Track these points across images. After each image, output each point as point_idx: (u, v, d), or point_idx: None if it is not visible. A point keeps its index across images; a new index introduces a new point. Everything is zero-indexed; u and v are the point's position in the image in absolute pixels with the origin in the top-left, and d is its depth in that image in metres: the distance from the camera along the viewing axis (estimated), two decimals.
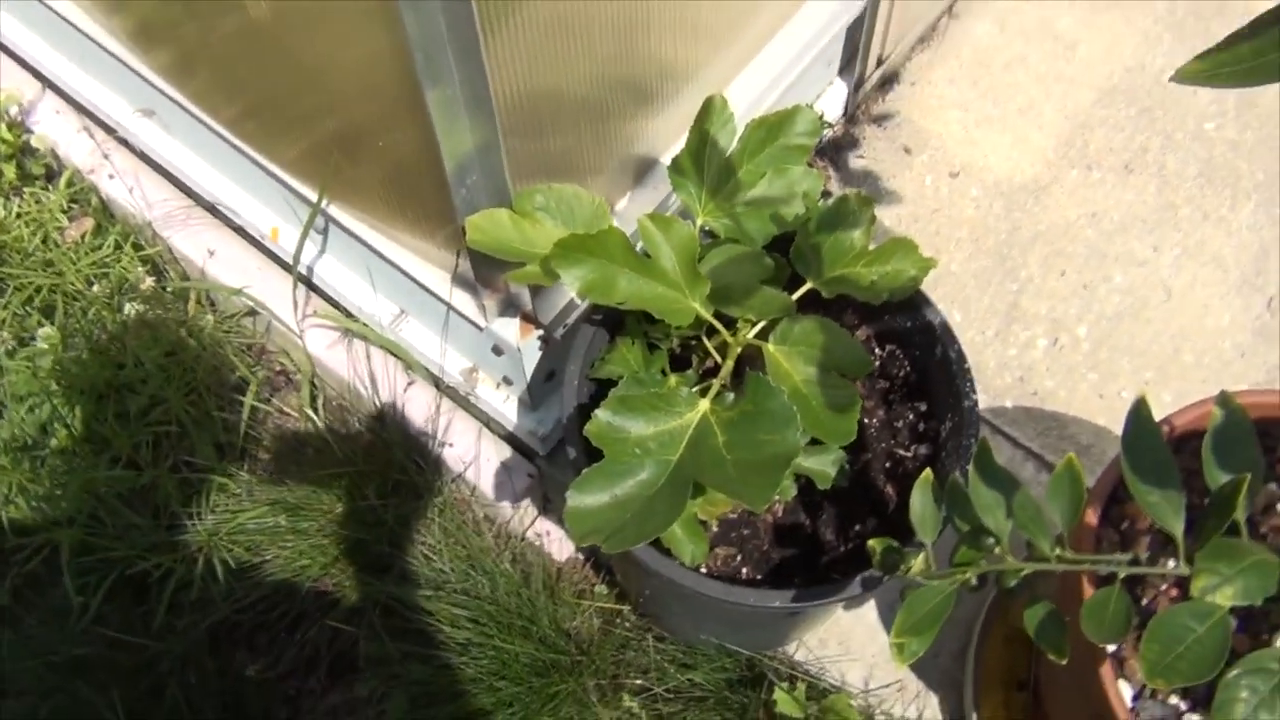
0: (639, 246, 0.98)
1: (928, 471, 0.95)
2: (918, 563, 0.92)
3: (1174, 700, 1.00)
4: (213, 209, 1.61)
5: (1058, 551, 0.89)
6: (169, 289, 1.67)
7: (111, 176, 1.69)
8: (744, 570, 1.16)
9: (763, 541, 1.17)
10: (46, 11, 1.54)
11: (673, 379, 1.08)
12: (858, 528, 1.16)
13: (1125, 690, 0.99)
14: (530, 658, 1.38)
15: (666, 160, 1.33)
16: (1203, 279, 1.60)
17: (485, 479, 1.47)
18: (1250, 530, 0.87)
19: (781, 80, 1.47)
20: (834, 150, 1.73)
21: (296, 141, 1.32)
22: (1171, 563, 0.95)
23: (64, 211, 1.71)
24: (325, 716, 1.46)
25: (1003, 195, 1.68)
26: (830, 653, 1.38)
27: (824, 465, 1.08)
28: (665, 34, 1.19)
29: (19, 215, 1.70)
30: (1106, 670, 0.98)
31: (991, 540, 0.91)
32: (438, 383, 1.47)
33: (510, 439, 1.49)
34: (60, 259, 1.66)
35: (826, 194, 1.12)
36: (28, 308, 1.64)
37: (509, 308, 1.26)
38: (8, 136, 1.71)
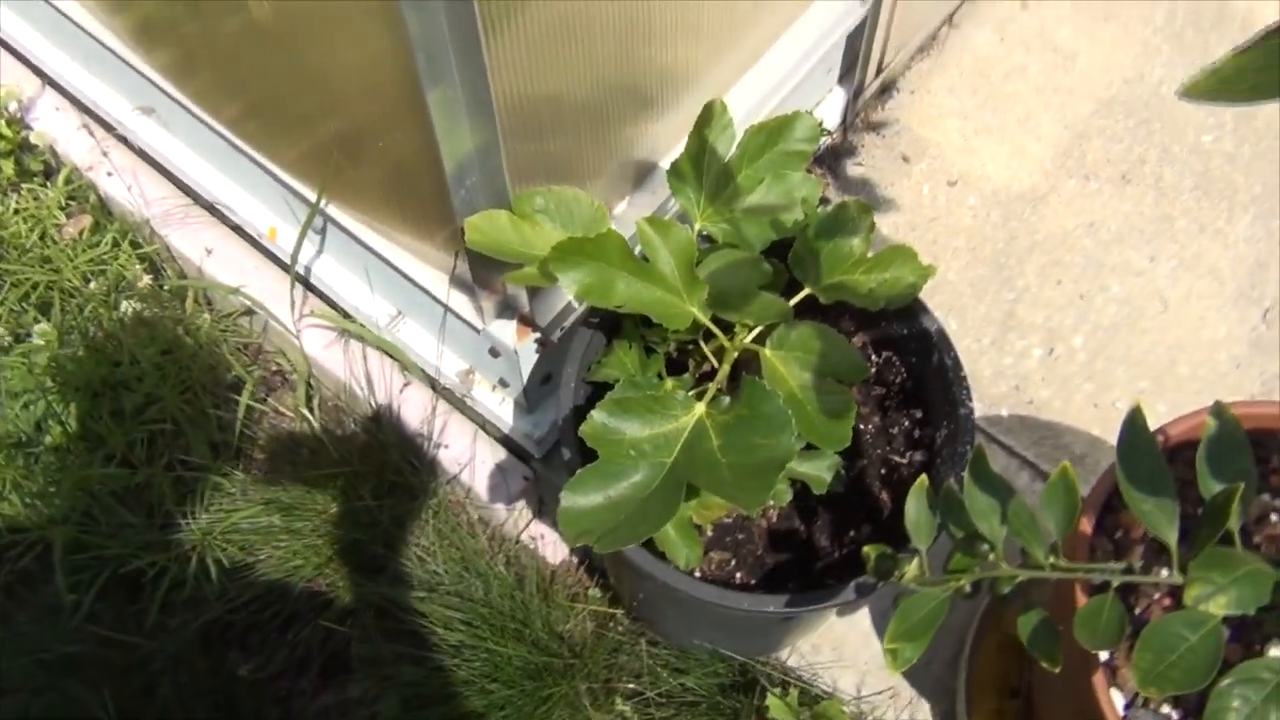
0: (637, 250, 0.98)
1: (923, 478, 0.95)
2: (912, 569, 0.93)
3: (1166, 709, 1.00)
4: (211, 208, 1.61)
5: (1052, 559, 0.89)
6: (166, 287, 1.67)
7: (110, 174, 1.69)
8: (738, 575, 1.16)
9: (757, 546, 1.17)
10: (48, 8, 1.54)
11: (669, 382, 1.08)
12: (852, 534, 1.16)
13: (1117, 699, 0.99)
14: (523, 661, 1.38)
15: (666, 164, 1.33)
16: (1199, 290, 1.60)
17: (480, 481, 1.47)
18: (1243, 540, 0.87)
19: (782, 87, 1.47)
20: (832, 158, 1.73)
21: (296, 141, 1.32)
22: (1165, 572, 0.95)
23: (62, 208, 1.71)
24: (317, 717, 1.46)
25: (1000, 204, 1.68)
26: (823, 659, 1.38)
27: (819, 470, 1.08)
28: (667, 38, 1.19)
29: (17, 211, 1.70)
30: (1099, 679, 0.98)
31: (986, 547, 0.91)
32: (434, 384, 1.47)
33: (506, 441, 1.49)
34: (57, 256, 1.66)
35: (825, 201, 1.12)
36: (24, 304, 1.64)
37: (506, 310, 1.26)
38: (7, 133, 1.71)
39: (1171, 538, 0.85)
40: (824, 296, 1.05)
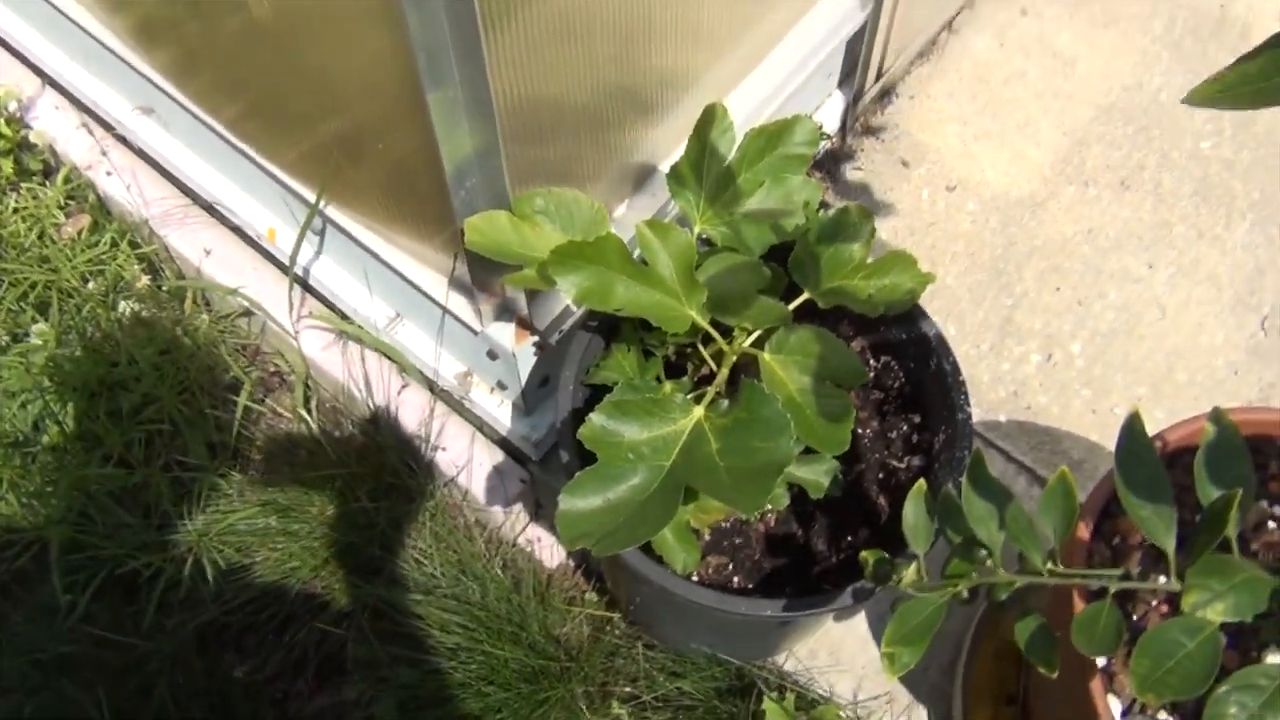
0: (636, 253, 0.98)
1: (921, 482, 0.95)
2: (910, 574, 0.92)
3: (1163, 715, 1.00)
4: (210, 208, 1.60)
5: (1049, 565, 0.89)
6: (164, 287, 1.66)
7: (109, 173, 1.69)
8: (735, 579, 1.15)
9: (754, 551, 1.17)
10: (47, 7, 1.54)
11: (667, 386, 1.08)
12: (850, 538, 1.16)
13: (1115, 705, 0.99)
14: (519, 664, 1.37)
15: (665, 168, 1.34)
16: (1197, 297, 1.60)
17: (477, 484, 1.47)
18: (1241, 547, 0.87)
19: (781, 91, 1.48)
20: (831, 162, 1.73)
21: (296, 142, 1.32)
22: (1162, 578, 0.95)
23: (61, 208, 1.71)
24: (313, 719, 1.45)
25: (999, 210, 1.69)
26: (820, 663, 1.38)
27: (817, 475, 1.08)
28: (667, 41, 1.19)
29: (16, 210, 1.70)
30: (1096, 685, 0.98)
31: (984, 553, 0.91)
32: (432, 386, 1.47)
33: (503, 444, 1.49)
34: (56, 255, 1.66)
35: (824, 205, 1.12)
36: (22, 303, 1.63)
37: (505, 312, 1.25)
38: (6, 132, 1.71)
39: (1169, 544, 0.85)
40: (823, 301, 1.05)
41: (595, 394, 1.16)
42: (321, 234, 1.43)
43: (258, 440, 1.58)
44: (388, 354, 1.47)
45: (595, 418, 0.91)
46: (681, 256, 0.98)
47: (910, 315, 1.18)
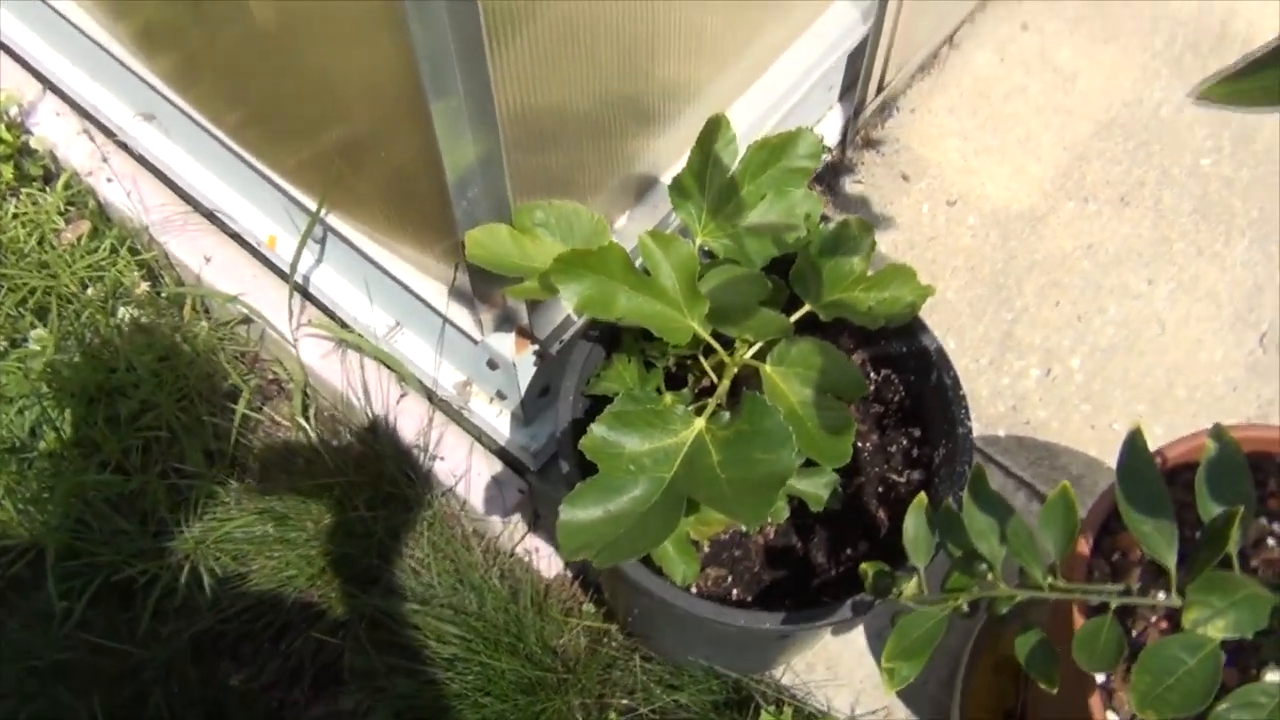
0: (638, 264, 0.98)
1: (922, 495, 0.95)
2: (910, 587, 0.92)
3: None
4: (211, 215, 1.60)
5: (1050, 580, 0.89)
6: (164, 294, 1.66)
7: (110, 180, 1.69)
8: (735, 591, 1.15)
9: (754, 563, 1.17)
10: (50, 13, 1.54)
11: (668, 397, 1.08)
12: (849, 551, 1.16)
13: None
14: (516, 675, 1.37)
15: (666, 179, 1.33)
16: (1196, 313, 1.60)
17: (476, 494, 1.47)
18: (1241, 564, 0.87)
19: (783, 103, 1.48)
20: (831, 175, 1.74)
21: (298, 149, 1.32)
22: (1161, 594, 0.95)
23: (61, 213, 1.71)
24: None
25: (999, 225, 1.69)
26: (817, 677, 1.37)
27: (817, 487, 1.08)
28: (671, 53, 1.19)
29: (15, 216, 1.70)
30: (1095, 701, 0.98)
31: (984, 567, 0.91)
32: (431, 396, 1.47)
33: (502, 454, 1.48)
34: (55, 261, 1.66)
35: (824, 219, 1.13)
36: (21, 309, 1.63)
37: (505, 322, 1.25)
38: (7, 137, 1.71)
39: (1170, 560, 0.85)
40: (824, 314, 1.05)
41: (595, 404, 1.16)
42: (322, 242, 1.43)
43: (255, 448, 1.58)
44: (387, 363, 1.47)
45: (596, 429, 0.91)
46: (684, 267, 0.98)
47: (910, 329, 1.18)
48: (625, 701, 1.39)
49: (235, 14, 1.14)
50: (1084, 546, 1.03)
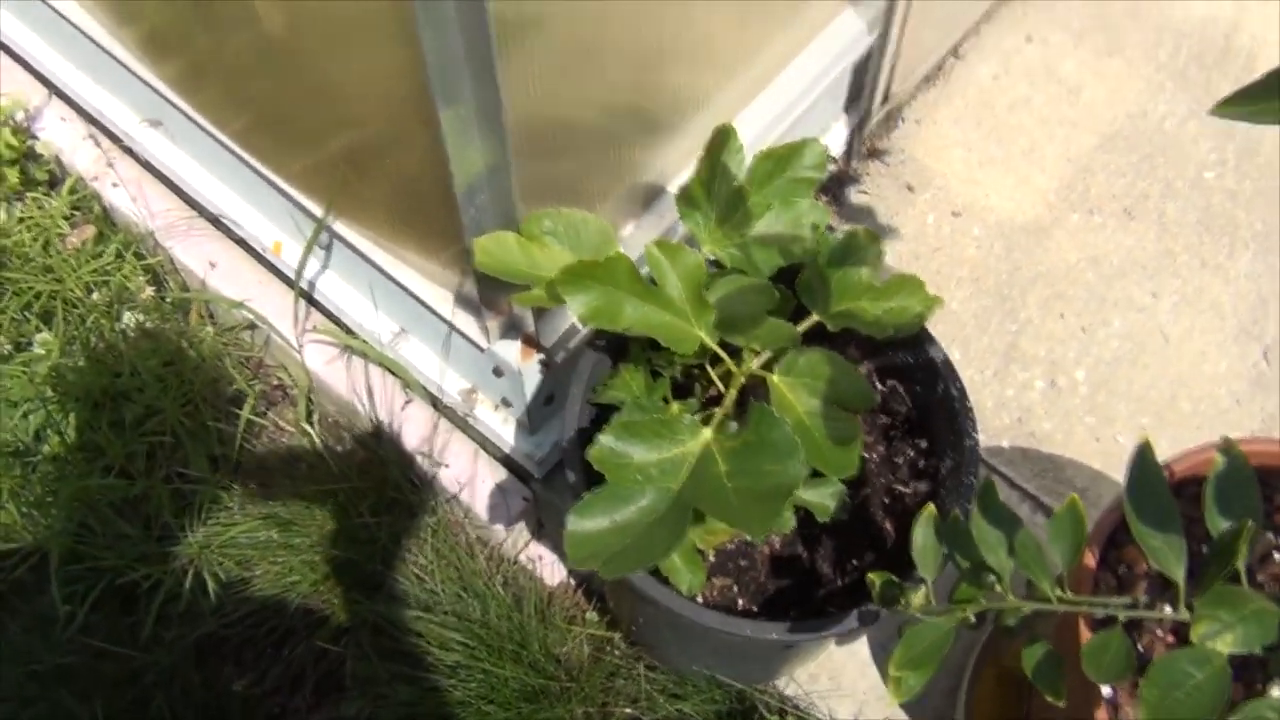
0: (644, 272, 0.98)
1: (930, 506, 0.95)
2: (918, 598, 0.92)
3: None
4: (216, 221, 1.60)
5: (1058, 593, 0.89)
6: (168, 299, 1.66)
7: (115, 185, 1.69)
8: (740, 601, 1.15)
9: (760, 573, 1.17)
10: (56, 18, 1.54)
11: (675, 406, 1.08)
12: (855, 562, 1.16)
13: None
14: (520, 683, 1.37)
15: (672, 188, 1.34)
16: (1200, 326, 1.61)
17: (480, 501, 1.47)
18: (1248, 578, 0.87)
19: (788, 114, 1.48)
20: (836, 185, 1.74)
21: (304, 156, 1.32)
22: (1168, 608, 0.95)
23: (66, 218, 1.71)
24: None
25: (1004, 236, 1.69)
26: (821, 688, 1.37)
27: (823, 498, 1.08)
28: (678, 63, 1.20)
29: (21, 220, 1.70)
30: (1101, 715, 0.98)
31: (992, 578, 0.91)
32: (436, 402, 1.47)
33: (506, 461, 1.48)
34: (60, 265, 1.66)
35: (830, 229, 1.13)
36: (26, 313, 1.63)
37: (511, 330, 1.25)
38: (13, 142, 1.71)
39: (1179, 574, 0.85)
40: (832, 324, 1.05)
41: (601, 413, 1.16)
42: (327, 248, 1.43)
43: (260, 453, 1.58)
44: (392, 369, 1.47)
45: (604, 438, 0.91)
46: (691, 277, 0.99)
47: (917, 340, 1.18)
48: (629, 710, 1.39)
49: (243, 20, 1.14)
50: (1090, 559, 1.03)
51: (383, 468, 1.48)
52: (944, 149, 1.77)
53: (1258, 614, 0.81)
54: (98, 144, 1.71)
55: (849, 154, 1.74)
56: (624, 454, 0.91)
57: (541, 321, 1.24)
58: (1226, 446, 0.90)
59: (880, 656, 1.39)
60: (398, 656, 1.42)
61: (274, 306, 1.57)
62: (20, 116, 1.74)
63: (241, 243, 1.60)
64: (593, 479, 0.92)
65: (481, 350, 1.28)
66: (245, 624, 1.48)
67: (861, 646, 1.40)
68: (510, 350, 1.25)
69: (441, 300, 1.29)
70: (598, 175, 1.22)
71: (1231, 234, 1.69)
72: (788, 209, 1.13)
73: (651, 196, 1.35)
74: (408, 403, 1.50)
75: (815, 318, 1.06)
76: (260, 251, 1.54)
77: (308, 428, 1.57)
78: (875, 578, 0.97)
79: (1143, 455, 0.88)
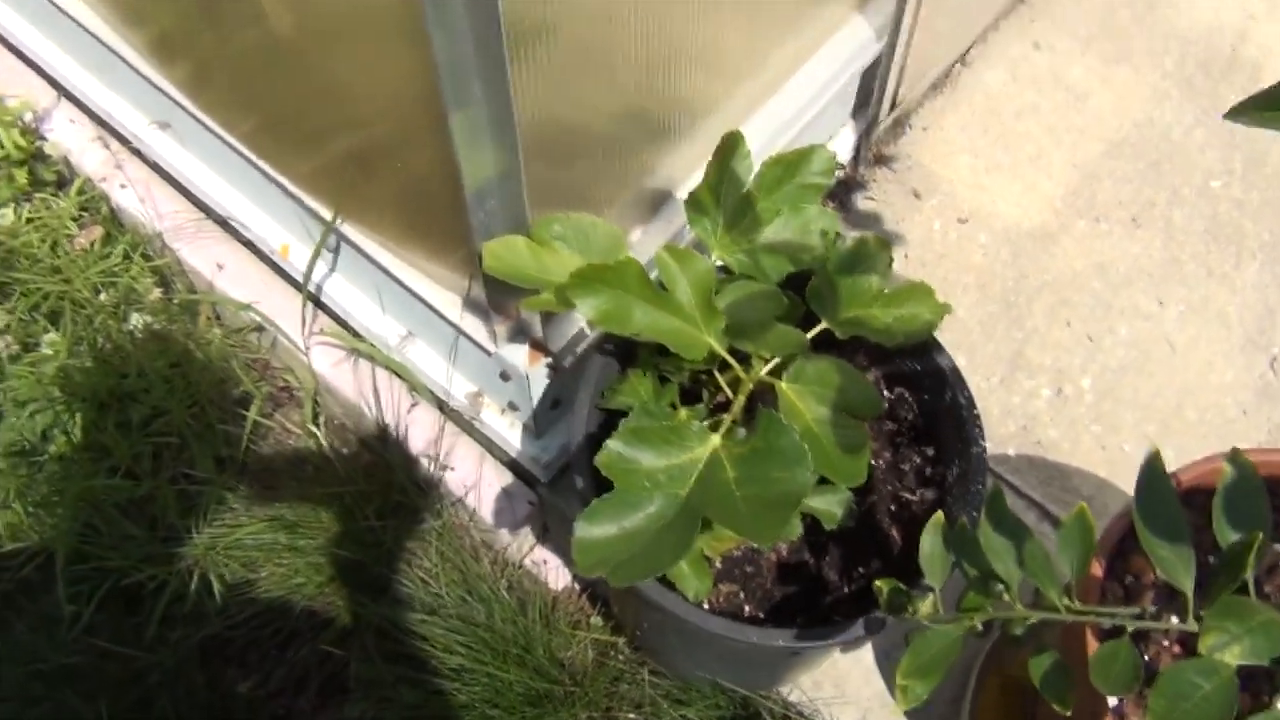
0: (653, 276, 0.98)
1: (939, 514, 0.95)
2: (926, 606, 0.92)
3: None
4: (224, 223, 1.61)
5: (1066, 602, 0.89)
6: (175, 301, 1.67)
7: (123, 186, 1.69)
8: (746, 608, 1.15)
9: (766, 580, 1.17)
10: (65, 20, 1.55)
11: (683, 412, 1.08)
12: (861, 569, 1.16)
13: None
14: (524, 687, 1.37)
15: (681, 193, 1.34)
16: (1207, 336, 1.61)
17: (485, 504, 1.47)
18: (1255, 590, 0.87)
19: (797, 120, 1.48)
20: (843, 191, 1.74)
21: (313, 158, 1.33)
22: (1174, 618, 0.95)
23: (74, 219, 1.71)
24: None
25: (1010, 243, 1.69)
26: (825, 695, 1.37)
27: (830, 505, 1.08)
28: (688, 68, 1.20)
29: (29, 220, 1.70)
30: None
31: (1000, 587, 0.91)
32: (442, 406, 1.47)
33: (512, 465, 1.48)
34: (68, 266, 1.66)
35: (839, 236, 1.13)
36: (34, 314, 1.63)
37: (518, 334, 1.26)
38: (21, 143, 1.71)
39: (1188, 585, 0.85)
40: (841, 331, 1.05)
41: (608, 418, 1.16)
42: (335, 250, 1.43)
43: (266, 455, 1.58)
44: (398, 372, 1.47)
45: (613, 444, 0.91)
46: (701, 283, 0.99)
47: (925, 347, 1.18)
48: (632, 716, 1.39)
49: (253, 22, 1.15)
50: (1098, 569, 1.03)
51: (388, 470, 1.48)
52: (951, 155, 1.77)
53: (1266, 625, 0.81)
54: (106, 145, 1.72)
55: (856, 160, 1.74)
56: (632, 460, 0.91)
57: (549, 326, 1.24)
58: (1235, 457, 0.90)
59: (884, 664, 1.39)
60: (402, 659, 1.42)
61: (281, 309, 1.57)
62: (29, 118, 1.74)
63: (249, 245, 1.60)
64: (600, 484, 0.92)
65: (489, 354, 1.28)
66: (250, 625, 1.48)
67: (866, 653, 1.40)
68: (518, 354, 1.25)
69: (449, 304, 1.29)
70: (606, 180, 1.22)
71: (1238, 243, 1.69)
72: (796, 215, 1.13)
73: (660, 201, 1.36)
74: (414, 406, 1.50)
75: (824, 325, 1.06)
76: (268, 254, 1.54)
77: (314, 430, 1.57)
78: (883, 585, 0.97)
79: (1152, 466, 0.89)
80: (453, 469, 1.48)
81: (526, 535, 1.50)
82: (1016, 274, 1.66)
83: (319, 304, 1.52)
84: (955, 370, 1.16)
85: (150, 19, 1.40)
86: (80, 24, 1.52)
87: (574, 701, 1.38)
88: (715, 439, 0.94)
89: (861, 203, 1.73)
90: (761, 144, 1.43)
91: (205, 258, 1.62)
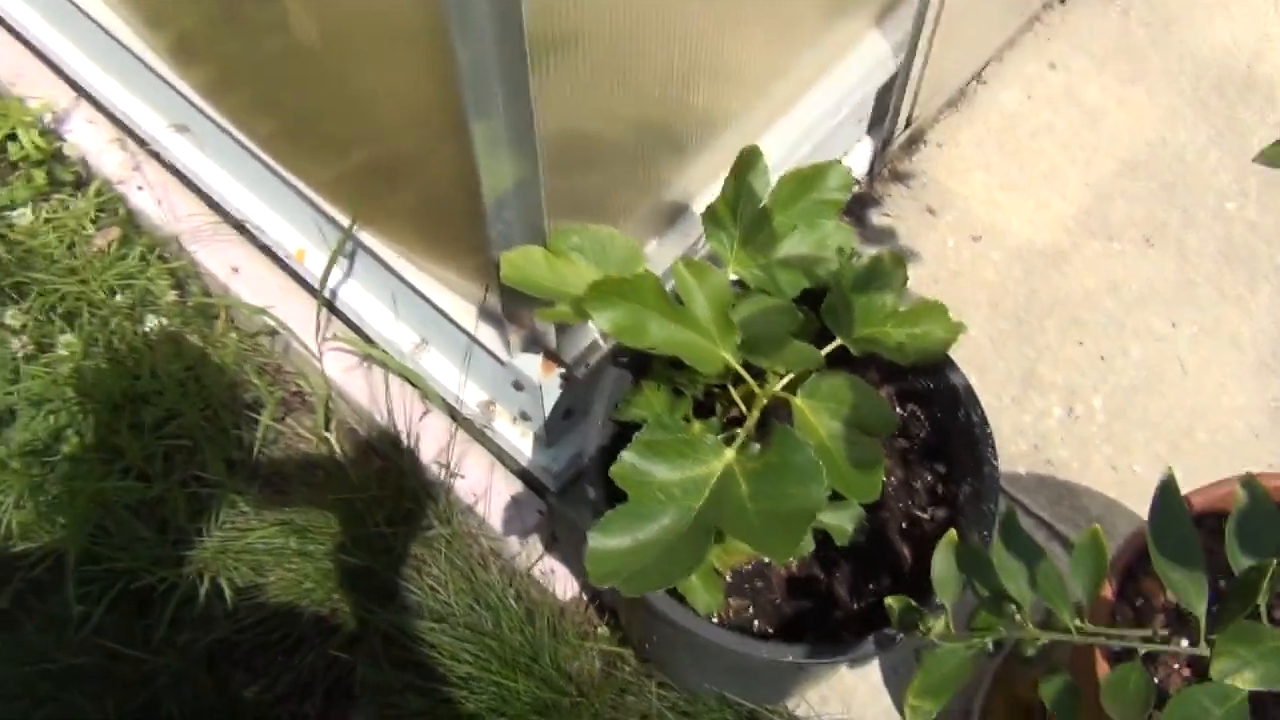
0: (669, 287, 0.99)
1: (952, 533, 0.95)
2: (939, 625, 0.92)
3: None
4: (240, 226, 1.61)
5: (1077, 624, 0.89)
6: (190, 303, 1.67)
7: (141, 188, 1.70)
8: (756, 622, 1.15)
9: (775, 594, 1.17)
10: (86, 22, 1.55)
11: (696, 426, 1.09)
12: (871, 586, 1.16)
13: None
14: (531, 696, 1.37)
15: (696, 206, 1.34)
16: (1219, 358, 1.60)
17: (495, 513, 1.47)
18: (1268, 615, 0.87)
19: (812, 134, 1.48)
20: (858, 206, 1.74)
21: (332, 164, 1.33)
22: (1184, 641, 0.95)
23: (91, 220, 1.72)
24: None
25: (1023, 261, 1.69)
26: (831, 710, 1.37)
27: (842, 521, 1.08)
28: (708, 80, 1.20)
29: (47, 221, 1.71)
30: None
31: (1013, 607, 0.91)
32: (454, 413, 1.47)
33: (522, 474, 1.49)
34: (85, 267, 1.67)
35: (854, 252, 1.13)
36: (50, 314, 1.64)
37: (532, 344, 1.26)
38: (40, 143, 1.72)
39: (1200, 609, 0.85)
40: (856, 348, 1.05)
41: (621, 430, 1.16)
42: (350, 256, 1.43)
43: (277, 459, 1.59)
44: (411, 379, 1.48)
45: (627, 456, 0.91)
46: (717, 298, 0.99)
47: (939, 365, 1.18)
48: None
49: (276, 28, 1.15)
50: (1109, 590, 1.03)
51: (399, 477, 1.48)
52: (965, 172, 1.78)
53: (1277, 652, 0.81)
54: (124, 147, 1.73)
55: (871, 176, 1.75)
56: (647, 472, 0.91)
57: (563, 337, 1.25)
58: (1249, 482, 0.90)
59: (891, 679, 1.39)
60: (409, 666, 1.42)
61: (295, 313, 1.57)
62: (48, 119, 1.75)
63: (265, 249, 1.60)
64: (613, 495, 0.92)
65: (502, 363, 1.28)
66: (258, 630, 1.48)
67: (873, 670, 1.40)
68: (531, 364, 1.25)
69: (464, 312, 1.29)
70: (623, 191, 1.23)
71: (1252, 266, 1.69)
72: (813, 230, 1.13)
73: (675, 214, 1.36)
74: (426, 413, 1.51)
75: (838, 341, 1.06)
76: (284, 258, 1.55)
77: (325, 435, 1.57)
78: (894, 603, 0.97)
79: (1166, 489, 0.89)
80: (463, 477, 1.49)
81: (535, 544, 1.50)
82: (1029, 292, 1.66)
83: (333, 309, 1.52)
84: (969, 389, 1.16)
85: (172, 22, 1.41)
86: (101, 26, 1.52)
87: (580, 712, 1.38)
88: (729, 453, 0.94)
89: (876, 218, 1.73)
90: (778, 158, 1.44)
91: (221, 261, 1.63)
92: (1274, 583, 0.97)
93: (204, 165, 1.59)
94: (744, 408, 1.05)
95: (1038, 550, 0.91)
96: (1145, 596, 1.07)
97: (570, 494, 1.43)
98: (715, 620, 1.12)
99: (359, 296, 1.47)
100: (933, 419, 1.22)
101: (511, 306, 1.18)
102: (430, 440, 1.49)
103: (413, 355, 1.44)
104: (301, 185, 1.39)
